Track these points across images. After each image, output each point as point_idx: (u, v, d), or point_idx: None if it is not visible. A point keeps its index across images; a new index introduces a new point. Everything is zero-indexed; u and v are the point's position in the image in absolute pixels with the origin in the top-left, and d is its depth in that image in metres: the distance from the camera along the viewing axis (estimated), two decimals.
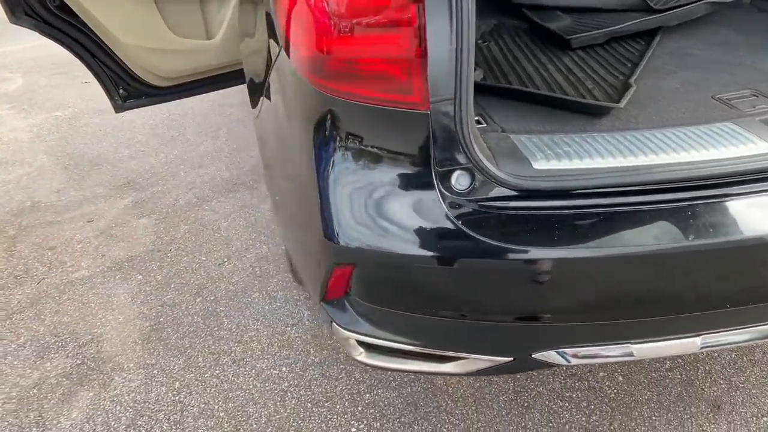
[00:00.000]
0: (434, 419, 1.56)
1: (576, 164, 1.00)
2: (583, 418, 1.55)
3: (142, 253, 2.31)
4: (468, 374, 1.17)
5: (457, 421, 1.55)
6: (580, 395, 1.61)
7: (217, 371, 1.75)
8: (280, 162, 1.19)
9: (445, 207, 0.93)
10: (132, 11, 2.32)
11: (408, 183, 0.95)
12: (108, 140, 3.31)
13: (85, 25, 2.24)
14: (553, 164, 1.00)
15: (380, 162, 0.95)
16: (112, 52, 2.39)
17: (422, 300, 1.02)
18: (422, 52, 0.84)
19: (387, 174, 0.95)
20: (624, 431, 1.51)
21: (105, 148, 3.22)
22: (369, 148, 0.95)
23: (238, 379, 1.71)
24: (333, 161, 0.96)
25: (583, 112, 1.19)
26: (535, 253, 0.93)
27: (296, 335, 1.86)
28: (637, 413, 1.56)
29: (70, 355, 1.84)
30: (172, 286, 2.12)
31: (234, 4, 2.55)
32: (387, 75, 0.88)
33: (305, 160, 1.01)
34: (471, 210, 0.95)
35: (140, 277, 2.18)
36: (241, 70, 2.81)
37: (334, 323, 1.13)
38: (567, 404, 1.59)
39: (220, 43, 2.61)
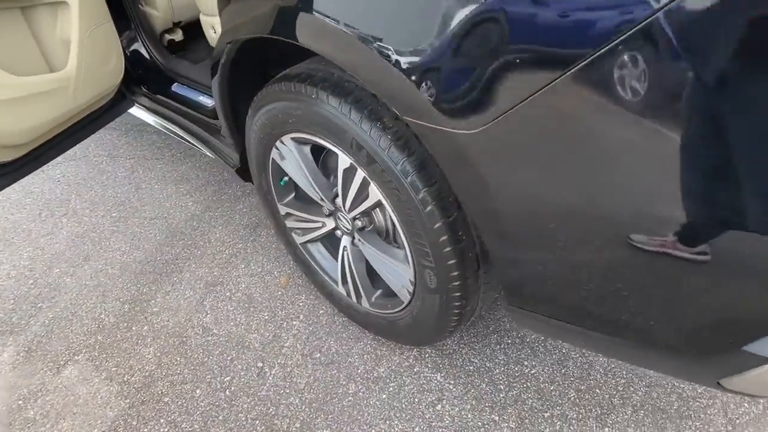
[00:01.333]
0: None
1: None
2: None
3: (120, 416, 1.45)
4: None
5: None
6: None
7: None
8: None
9: None
10: None
11: None
12: None
13: None
14: None
15: None
16: None
17: None
18: None
19: None
20: None
21: None
22: None
23: None
24: None
25: None
26: None
27: (457, 411, 1.39)
28: None
29: None
30: None
31: (76, 11, 1.71)
32: None
33: None
34: None
35: None
36: (102, 108, 1.93)
37: None
38: None
39: (77, 74, 1.75)
